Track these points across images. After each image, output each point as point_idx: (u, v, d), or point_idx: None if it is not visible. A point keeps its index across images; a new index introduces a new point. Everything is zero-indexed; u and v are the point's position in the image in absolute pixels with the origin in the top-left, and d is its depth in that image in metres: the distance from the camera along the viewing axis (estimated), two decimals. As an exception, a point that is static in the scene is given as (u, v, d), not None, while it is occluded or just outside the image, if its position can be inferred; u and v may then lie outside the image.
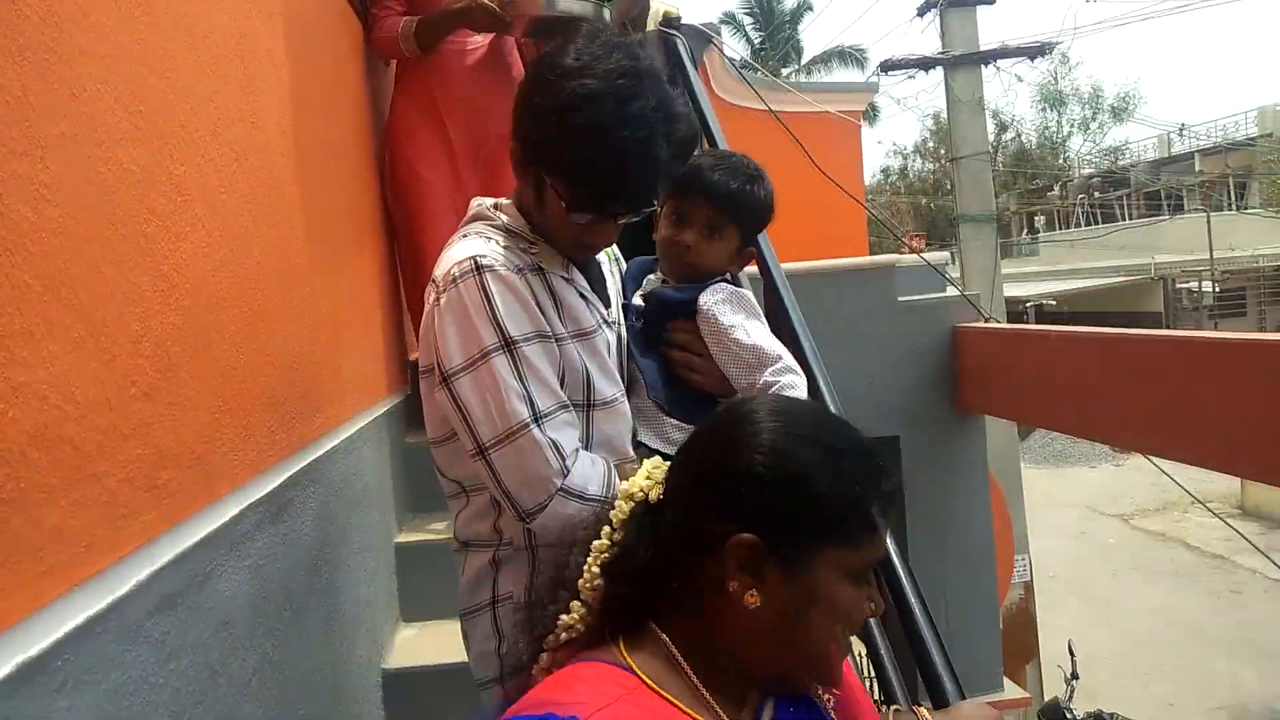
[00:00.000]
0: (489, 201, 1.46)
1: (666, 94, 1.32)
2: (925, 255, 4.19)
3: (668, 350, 1.55)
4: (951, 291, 4.26)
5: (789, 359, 1.51)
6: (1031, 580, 8.50)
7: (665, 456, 1.40)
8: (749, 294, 1.61)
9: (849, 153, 5.51)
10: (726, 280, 1.61)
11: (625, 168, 1.28)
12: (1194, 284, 21.38)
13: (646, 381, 1.51)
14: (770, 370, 1.49)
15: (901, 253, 4.86)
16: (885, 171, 39.65)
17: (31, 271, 0.91)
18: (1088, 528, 14.98)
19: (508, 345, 1.28)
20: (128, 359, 1.09)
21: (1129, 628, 11.10)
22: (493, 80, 2.92)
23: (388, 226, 2.93)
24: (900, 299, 3.92)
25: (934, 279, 4.34)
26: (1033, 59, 8.87)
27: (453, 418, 1.31)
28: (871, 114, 28.80)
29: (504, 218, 1.41)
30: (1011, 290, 18.96)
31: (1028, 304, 20.66)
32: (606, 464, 1.36)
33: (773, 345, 1.53)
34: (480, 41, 2.90)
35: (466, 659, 1.45)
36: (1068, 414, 3.85)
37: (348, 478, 2.10)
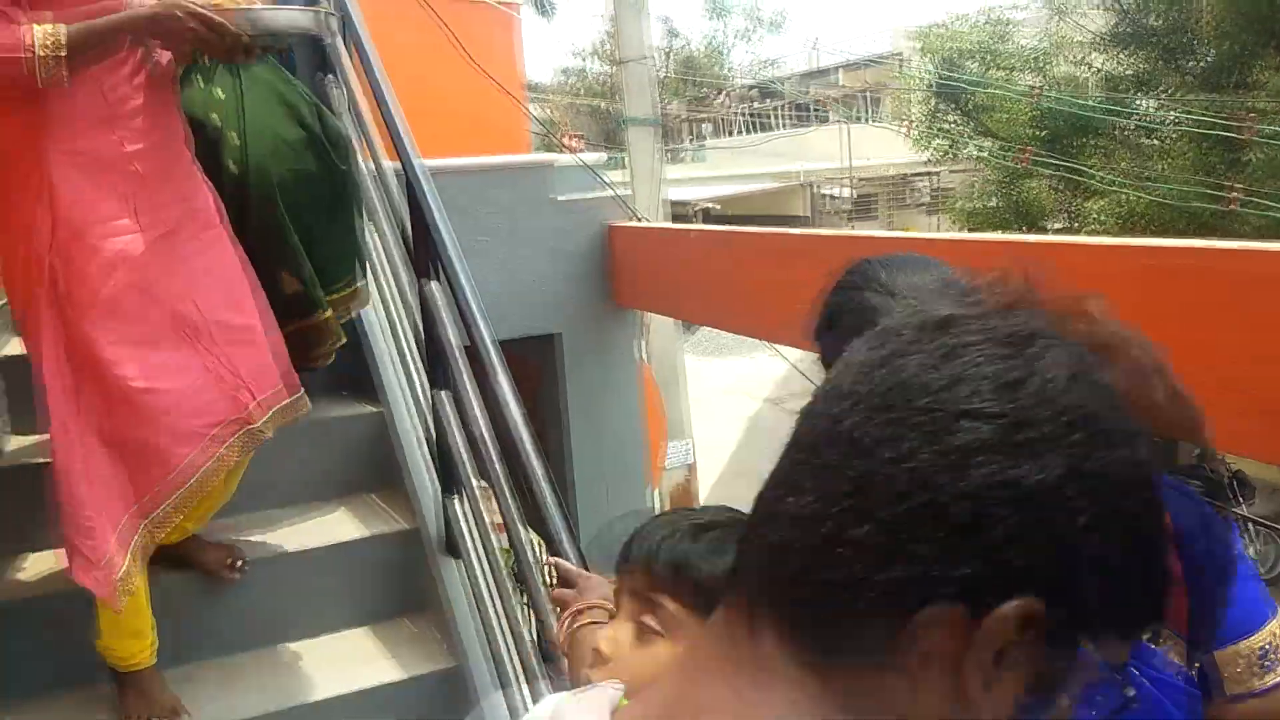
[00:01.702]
0: None
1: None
2: (581, 155, 4.29)
3: None
4: (607, 192, 4.41)
5: None
6: (694, 461, 9.25)
7: None
8: None
9: (506, 46, 5.47)
10: None
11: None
12: (834, 189, 23.65)
13: None
14: None
15: (559, 152, 4.94)
16: (565, 72, 39.77)
17: None
18: (745, 411, 16.45)
19: None
20: None
21: (778, 499, 12.41)
22: (173, 130, 1.96)
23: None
24: (557, 198, 4.00)
25: (593, 179, 4.47)
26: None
27: None
28: (547, 9, 28.66)
29: None
30: (680, 194, 19.96)
31: (694, 207, 21.87)
32: None
33: None
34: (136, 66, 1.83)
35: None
36: (711, 308, 4.17)
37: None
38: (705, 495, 9.74)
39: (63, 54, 1.61)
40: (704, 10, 33.41)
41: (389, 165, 2.66)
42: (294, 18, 2.02)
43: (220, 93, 2.35)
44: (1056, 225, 13.45)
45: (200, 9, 1.73)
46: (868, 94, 28.05)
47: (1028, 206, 13.19)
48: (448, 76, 4.14)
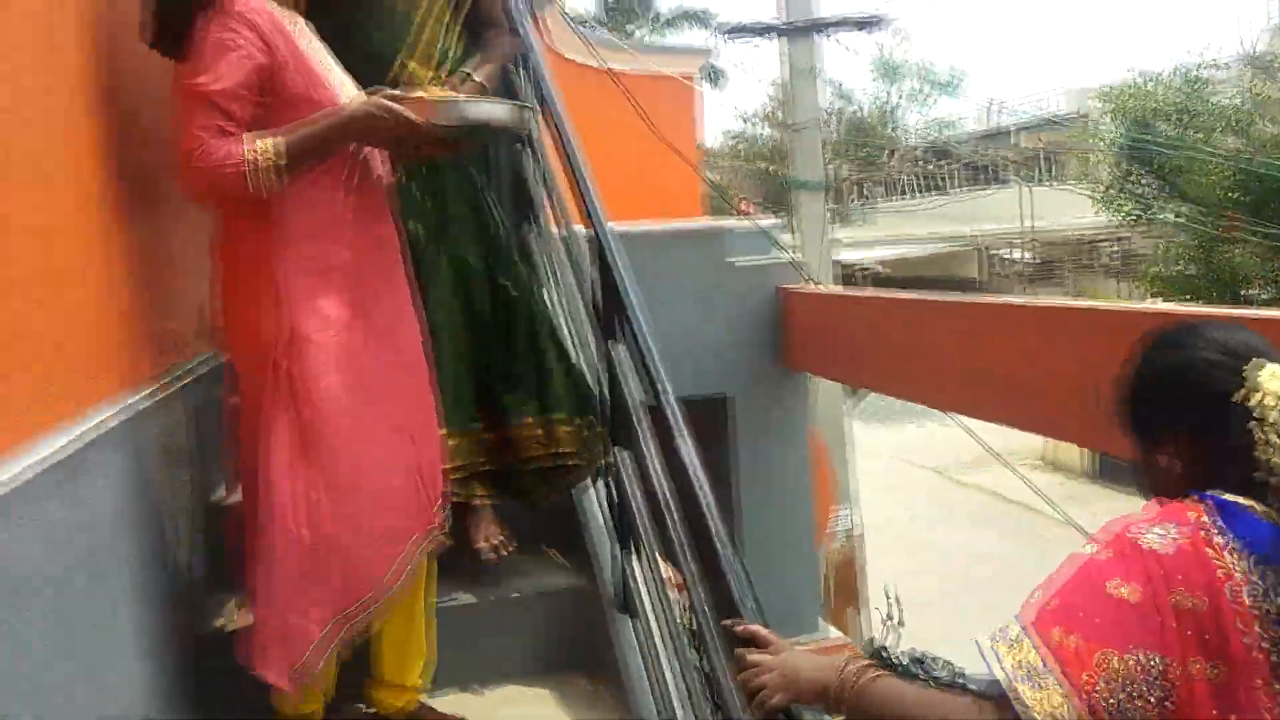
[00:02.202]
0: None
1: None
2: (754, 220, 4.33)
3: None
4: (780, 256, 4.42)
5: None
6: (856, 529, 9.01)
7: None
8: None
9: (684, 115, 5.62)
10: None
11: None
12: (1011, 252, 22.85)
13: None
14: None
15: (732, 216, 5.01)
16: (731, 136, 40.31)
17: None
18: (912, 480, 15.95)
19: None
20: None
21: (948, 572, 11.92)
22: (387, 233, 2.01)
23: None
24: (730, 261, 4.05)
25: (767, 243, 4.50)
26: (864, 30, 9.21)
27: None
28: (717, 77, 29.21)
29: None
30: (846, 255, 19.78)
31: (860, 269, 21.60)
32: None
33: None
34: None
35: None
36: (884, 374, 4.09)
37: (157, 437, 2.02)
38: (870, 563, 9.44)
39: (279, 162, 1.70)
40: (873, 73, 33.21)
41: (577, 229, 2.76)
42: (493, 110, 2.01)
43: (418, 193, 2.37)
44: (1258, 293, 12.52)
45: (395, 106, 1.76)
46: (1048, 155, 27.10)
47: (1227, 273, 12.35)
48: (628, 143, 4.29)
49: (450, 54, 2.44)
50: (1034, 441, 15.42)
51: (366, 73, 2.11)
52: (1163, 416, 1.21)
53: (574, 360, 2.60)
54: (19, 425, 1.34)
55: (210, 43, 1.70)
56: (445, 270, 2.41)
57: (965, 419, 4.59)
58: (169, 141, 1.78)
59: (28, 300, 1.39)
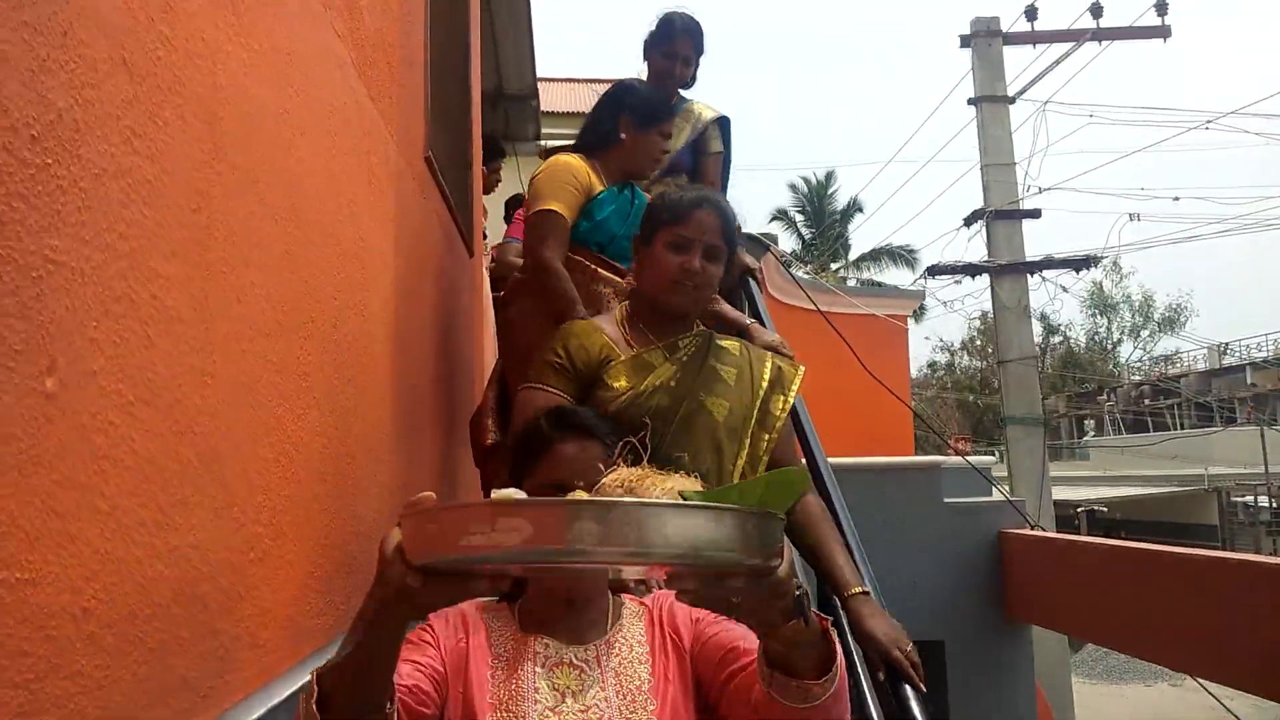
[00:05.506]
0: None
1: None
2: (971, 459, 4.27)
3: None
4: (997, 495, 4.30)
5: None
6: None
7: None
8: None
9: (896, 353, 5.71)
10: None
11: None
12: (1249, 497, 20.89)
13: None
14: None
15: (946, 454, 4.94)
16: (932, 366, 39.94)
17: (194, 449, 1.07)
18: (1144, 750, 14.12)
19: None
20: (251, 526, 1.23)
21: None
22: None
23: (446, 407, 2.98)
24: (946, 500, 3.97)
25: (980, 481, 4.39)
26: (1077, 271, 9.13)
27: None
28: (919, 311, 29.35)
29: None
30: (1061, 494, 18.69)
31: (1078, 509, 20.28)
32: None
33: None
34: None
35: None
36: (1116, 629, 3.81)
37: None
38: None
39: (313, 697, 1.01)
40: (1086, 308, 32.47)
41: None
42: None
43: None
44: None
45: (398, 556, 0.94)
46: (1286, 395, 25.15)
47: None
48: (845, 381, 4.41)
49: None
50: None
51: None
52: None
53: None
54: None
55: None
56: None
57: (1211, 684, 4.15)
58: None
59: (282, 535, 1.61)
